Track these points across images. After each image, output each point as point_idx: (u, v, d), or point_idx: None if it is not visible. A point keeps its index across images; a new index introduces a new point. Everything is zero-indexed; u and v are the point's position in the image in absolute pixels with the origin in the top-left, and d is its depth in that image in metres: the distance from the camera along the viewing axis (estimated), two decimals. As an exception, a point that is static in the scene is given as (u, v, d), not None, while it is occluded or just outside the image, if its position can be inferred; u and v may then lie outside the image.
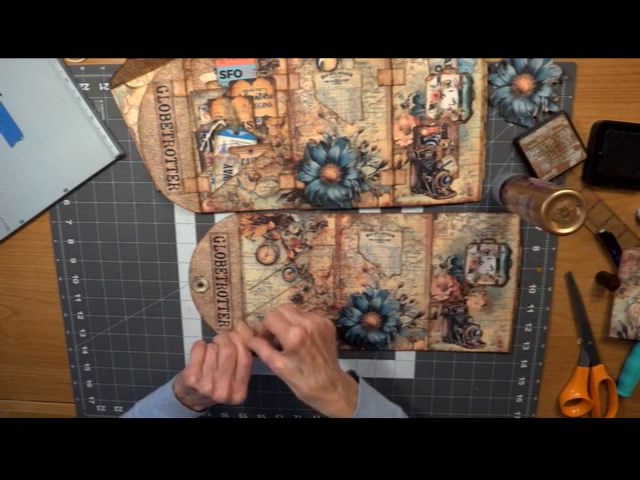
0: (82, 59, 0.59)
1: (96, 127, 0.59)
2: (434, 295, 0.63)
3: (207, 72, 0.57)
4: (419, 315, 0.63)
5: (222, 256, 0.63)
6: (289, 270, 0.63)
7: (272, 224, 0.61)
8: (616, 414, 0.65)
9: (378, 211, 0.61)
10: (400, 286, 0.63)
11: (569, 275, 0.62)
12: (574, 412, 0.66)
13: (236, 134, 0.59)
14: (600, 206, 0.59)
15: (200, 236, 0.63)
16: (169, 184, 0.60)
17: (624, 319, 0.61)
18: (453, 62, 0.56)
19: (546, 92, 0.56)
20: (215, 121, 0.59)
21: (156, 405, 0.59)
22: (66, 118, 0.59)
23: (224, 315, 0.64)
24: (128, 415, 0.60)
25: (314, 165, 0.59)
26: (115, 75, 0.58)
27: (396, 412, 0.55)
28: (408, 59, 0.56)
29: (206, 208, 0.61)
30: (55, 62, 0.58)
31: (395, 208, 0.61)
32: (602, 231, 0.60)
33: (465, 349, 0.64)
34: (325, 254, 0.62)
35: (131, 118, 0.59)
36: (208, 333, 0.65)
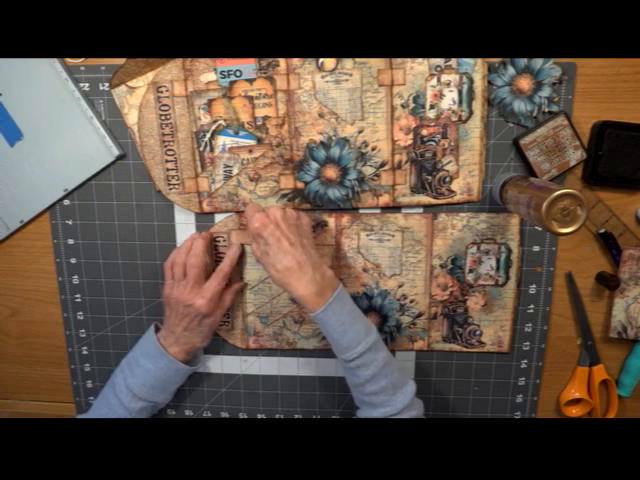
0: (82, 59, 0.59)
1: (96, 127, 0.59)
2: (434, 295, 0.63)
3: (207, 72, 0.57)
4: (419, 315, 0.63)
5: (222, 256, 0.63)
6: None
7: (272, 224, 0.61)
8: (616, 414, 0.65)
9: (378, 211, 0.61)
10: (400, 286, 0.63)
11: (569, 275, 0.62)
12: (574, 412, 0.66)
13: (236, 134, 0.59)
14: (600, 206, 0.59)
15: (200, 236, 0.63)
16: (169, 184, 0.60)
17: (624, 319, 0.61)
18: (453, 62, 0.56)
19: (546, 92, 0.56)
20: (215, 121, 0.59)
21: (141, 353, 0.60)
22: (66, 118, 0.59)
23: (225, 315, 0.64)
24: (117, 371, 0.61)
25: (314, 165, 0.59)
26: (115, 75, 0.58)
27: (370, 328, 0.54)
28: (408, 59, 0.56)
29: (206, 208, 0.61)
30: (55, 62, 0.58)
31: (395, 208, 0.61)
32: (602, 231, 0.60)
33: (465, 349, 0.64)
34: (325, 254, 0.62)
35: (131, 118, 0.59)
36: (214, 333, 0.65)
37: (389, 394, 0.52)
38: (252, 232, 0.53)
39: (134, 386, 0.58)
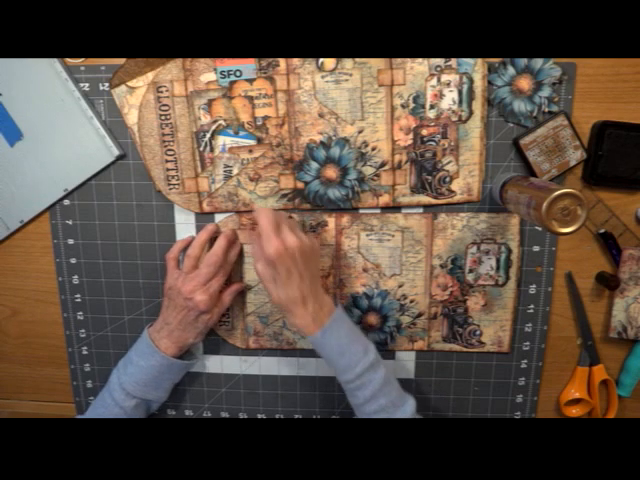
0: (82, 59, 0.59)
1: (96, 127, 0.59)
2: (434, 295, 0.63)
3: (207, 72, 0.57)
4: (419, 315, 0.63)
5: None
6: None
7: (272, 224, 0.61)
8: (616, 414, 0.65)
9: (378, 211, 0.61)
10: (400, 286, 0.63)
11: (569, 275, 0.62)
12: (574, 412, 0.66)
13: (236, 134, 0.59)
14: (600, 206, 0.59)
15: (200, 236, 0.63)
16: (169, 184, 0.60)
17: (624, 319, 0.61)
18: (453, 62, 0.56)
19: (546, 92, 0.56)
20: (215, 121, 0.59)
21: (135, 351, 0.60)
22: (66, 118, 0.59)
23: (225, 315, 0.64)
24: (113, 372, 0.61)
25: (314, 165, 0.59)
26: (115, 75, 0.58)
27: (368, 348, 0.55)
28: (408, 59, 0.56)
29: (206, 208, 0.61)
30: (55, 62, 0.58)
31: (395, 208, 0.61)
32: (602, 231, 0.60)
33: (465, 349, 0.64)
34: (325, 254, 0.62)
35: (131, 118, 0.59)
36: (208, 332, 0.65)
37: (389, 412, 0.53)
38: (265, 257, 0.51)
39: (127, 384, 0.58)
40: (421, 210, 0.61)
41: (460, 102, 0.57)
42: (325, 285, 0.63)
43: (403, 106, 0.57)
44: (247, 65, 0.57)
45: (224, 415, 0.69)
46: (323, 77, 0.57)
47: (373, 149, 0.59)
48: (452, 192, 0.59)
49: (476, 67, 0.56)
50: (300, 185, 0.60)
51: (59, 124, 0.60)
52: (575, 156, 0.58)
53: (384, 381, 0.53)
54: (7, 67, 0.58)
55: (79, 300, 0.66)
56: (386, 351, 0.65)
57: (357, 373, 0.53)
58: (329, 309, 0.55)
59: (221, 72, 0.57)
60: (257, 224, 0.53)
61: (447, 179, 0.59)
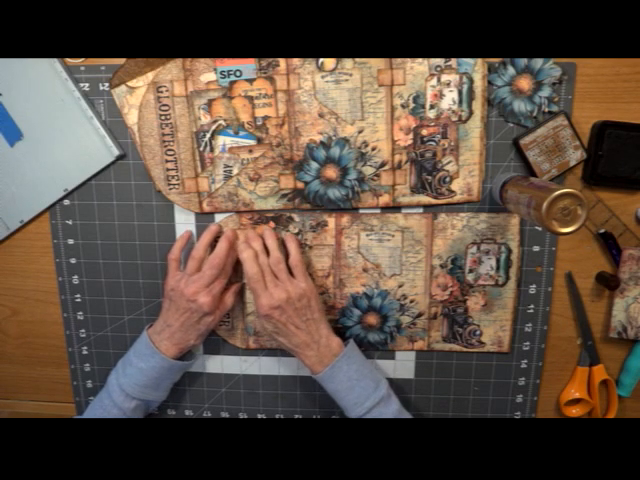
0: (82, 59, 0.59)
1: (96, 127, 0.59)
2: (434, 295, 0.63)
3: (207, 72, 0.57)
4: (419, 315, 0.63)
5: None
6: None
7: (272, 224, 0.61)
8: (616, 414, 0.65)
9: (378, 211, 0.61)
10: (400, 286, 0.63)
11: (569, 275, 0.62)
12: (574, 412, 0.66)
13: (236, 134, 0.59)
14: (600, 206, 0.59)
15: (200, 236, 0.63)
16: (169, 184, 0.60)
17: (624, 319, 0.61)
18: (453, 62, 0.56)
19: (546, 92, 0.56)
20: (215, 121, 0.59)
21: (134, 352, 0.60)
22: (66, 118, 0.59)
23: (225, 315, 0.64)
24: (112, 374, 0.60)
25: (314, 165, 0.59)
26: (115, 75, 0.58)
27: (380, 383, 0.57)
28: (408, 59, 0.56)
29: (206, 208, 0.61)
30: (55, 62, 0.58)
31: (395, 208, 0.61)
32: (602, 231, 0.60)
33: (465, 349, 0.64)
34: (325, 254, 0.62)
35: (131, 118, 0.59)
36: (209, 333, 0.65)
37: None
38: (260, 316, 0.57)
39: (126, 385, 0.58)
40: (421, 210, 0.61)
41: (460, 102, 0.57)
42: (325, 285, 0.63)
43: (403, 106, 0.57)
44: (247, 65, 0.57)
45: (224, 415, 0.69)
46: (323, 77, 0.57)
47: (373, 149, 0.59)
48: (452, 192, 0.59)
49: (476, 67, 0.56)
50: (300, 185, 0.60)
51: (59, 124, 0.60)
52: (575, 156, 0.58)
53: (396, 417, 0.55)
54: (7, 67, 0.58)
55: (79, 300, 0.66)
56: (386, 351, 0.65)
57: (367, 407, 0.55)
58: (336, 351, 0.57)
59: (221, 72, 0.57)
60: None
61: (447, 179, 0.59)
